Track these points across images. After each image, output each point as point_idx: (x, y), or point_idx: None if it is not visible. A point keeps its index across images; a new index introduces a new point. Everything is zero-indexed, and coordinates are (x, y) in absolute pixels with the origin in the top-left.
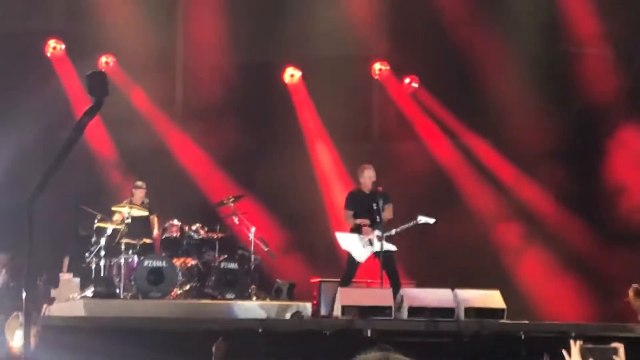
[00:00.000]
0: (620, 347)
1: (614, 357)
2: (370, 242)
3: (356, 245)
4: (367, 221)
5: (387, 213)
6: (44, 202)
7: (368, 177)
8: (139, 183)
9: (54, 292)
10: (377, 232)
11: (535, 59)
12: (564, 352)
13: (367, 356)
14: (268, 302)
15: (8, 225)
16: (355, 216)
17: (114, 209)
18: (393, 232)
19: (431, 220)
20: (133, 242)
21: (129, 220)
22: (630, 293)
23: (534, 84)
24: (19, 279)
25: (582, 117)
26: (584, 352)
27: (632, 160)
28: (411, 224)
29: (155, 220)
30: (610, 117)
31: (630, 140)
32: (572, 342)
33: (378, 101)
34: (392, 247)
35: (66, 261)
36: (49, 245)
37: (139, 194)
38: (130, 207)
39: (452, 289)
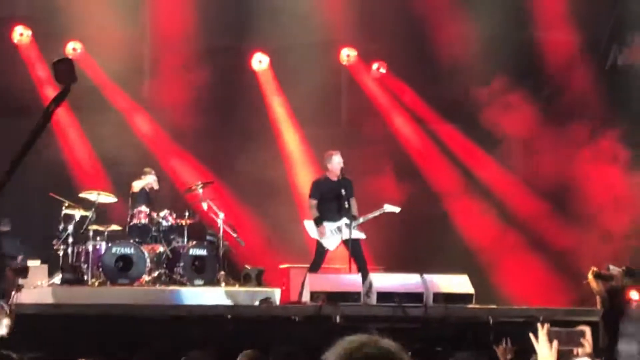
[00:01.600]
0: (587, 330)
1: (581, 339)
2: (339, 229)
3: (325, 234)
4: (324, 228)
5: (354, 206)
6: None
7: (336, 163)
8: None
9: (21, 280)
10: (344, 220)
11: (504, 44)
12: (531, 335)
13: (354, 338)
14: (237, 288)
15: None
16: (321, 204)
17: (81, 195)
18: (361, 220)
19: (397, 209)
20: (101, 228)
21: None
22: (590, 276)
23: (502, 70)
24: None
25: (551, 102)
26: (551, 335)
27: (599, 147)
28: (377, 212)
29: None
30: (579, 103)
31: (598, 127)
32: (539, 325)
33: (346, 87)
34: (360, 235)
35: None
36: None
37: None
38: (99, 193)
39: (421, 274)
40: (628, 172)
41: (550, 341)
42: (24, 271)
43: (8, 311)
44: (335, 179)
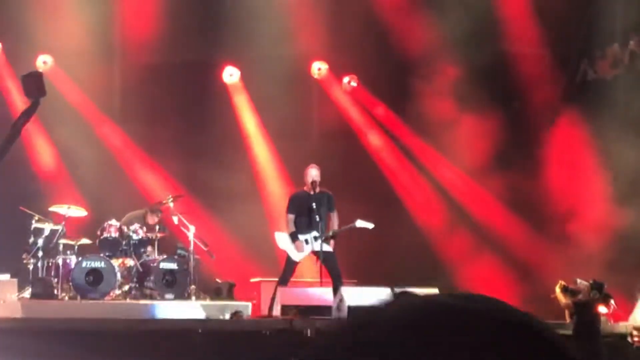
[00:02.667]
0: None
1: None
2: (307, 242)
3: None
4: (300, 243)
5: (333, 222)
6: None
7: (309, 176)
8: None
9: None
10: (313, 233)
11: (474, 58)
12: None
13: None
14: (208, 302)
15: None
16: (297, 217)
17: (51, 209)
18: (330, 233)
19: (370, 225)
20: (71, 242)
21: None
22: (557, 289)
23: (472, 84)
24: None
25: (521, 115)
26: None
27: (569, 159)
28: (349, 227)
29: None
30: (548, 116)
31: (567, 138)
32: None
33: (317, 100)
34: (328, 248)
35: None
36: None
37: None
38: (69, 207)
39: (392, 288)
40: (595, 181)
41: None
42: None
43: None
44: (311, 192)
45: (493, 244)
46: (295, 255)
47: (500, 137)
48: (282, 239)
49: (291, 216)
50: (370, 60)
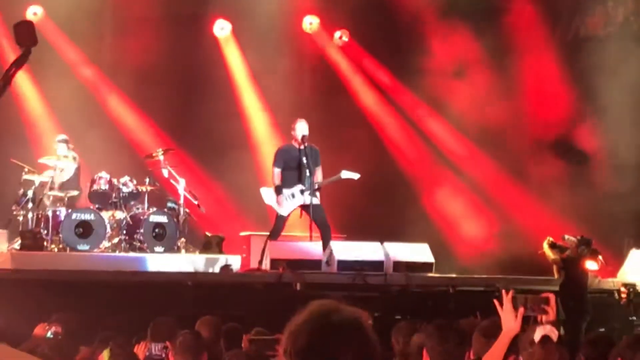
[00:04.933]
0: (552, 297)
1: (545, 306)
2: (293, 196)
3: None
4: (282, 197)
5: (317, 175)
6: None
7: (299, 130)
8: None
9: None
10: (299, 187)
11: (465, 12)
12: (496, 302)
13: (319, 305)
14: (197, 255)
15: None
16: (283, 171)
17: (41, 161)
18: (316, 185)
19: (355, 176)
20: (60, 194)
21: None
22: (545, 245)
23: (462, 38)
24: None
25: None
26: (515, 302)
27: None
28: (334, 178)
29: None
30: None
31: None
32: (503, 291)
33: (309, 54)
34: (316, 201)
35: None
36: None
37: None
38: (58, 158)
39: (381, 243)
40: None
41: (515, 308)
42: None
43: None
44: (298, 146)
45: (484, 200)
46: (282, 210)
47: (491, 96)
48: (268, 195)
49: (277, 170)
50: (361, 15)
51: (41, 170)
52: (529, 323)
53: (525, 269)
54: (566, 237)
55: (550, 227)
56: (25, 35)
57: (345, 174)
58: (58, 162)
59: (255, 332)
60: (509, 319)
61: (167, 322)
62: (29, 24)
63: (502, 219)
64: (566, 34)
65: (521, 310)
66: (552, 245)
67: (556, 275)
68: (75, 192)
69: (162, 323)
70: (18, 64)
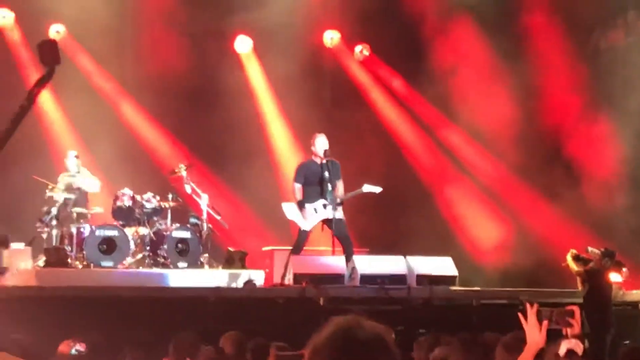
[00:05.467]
0: (576, 310)
1: (570, 319)
2: (315, 210)
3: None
4: (305, 212)
5: (338, 189)
6: None
7: (320, 145)
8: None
9: (5, 262)
10: (322, 201)
11: (489, 23)
12: (520, 315)
13: (341, 321)
14: (220, 271)
15: None
16: (305, 186)
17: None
18: (338, 200)
19: (377, 189)
20: (84, 210)
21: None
22: (569, 257)
23: (485, 52)
24: None
25: (532, 84)
26: (540, 315)
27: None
28: (356, 192)
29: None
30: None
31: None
32: (527, 305)
33: (330, 69)
34: (340, 216)
35: None
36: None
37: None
38: (82, 177)
39: (404, 256)
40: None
41: (540, 321)
42: (4, 241)
43: None
44: (319, 161)
45: (507, 212)
46: (305, 225)
47: (513, 107)
48: (290, 210)
49: (298, 185)
50: (382, 29)
51: (68, 188)
52: (553, 337)
53: (549, 281)
54: (590, 249)
55: (574, 239)
56: (49, 54)
57: (367, 188)
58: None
59: (275, 347)
60: (534, 333)
61: (189, 338)
62: (53, 43)
63: (525, 231)
64: (587, 44)
65: (545, 323)
66: (576, 258)
67: (580, 288)
68: (99, 209)
69: (184, 339)
70: (42, 83)
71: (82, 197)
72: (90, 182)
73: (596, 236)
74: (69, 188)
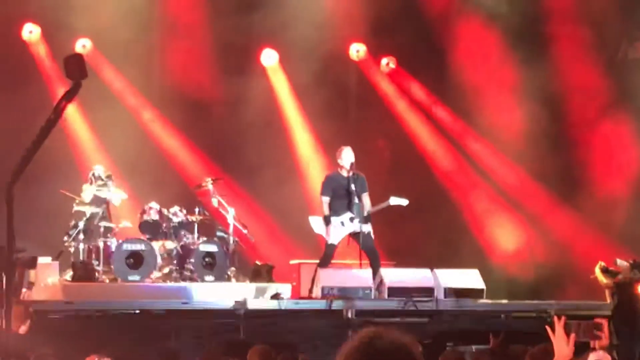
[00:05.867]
0: (604, 322)
1: (598, 332)
2: (343, 224)
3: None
4: (331, 225)
5: (364, 202)
6: (21, 186)
7: (346, 158)
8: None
9: (33, 276)
10: (349, 214)
11: (515, 33)
12: (548, 328)
13: (368, 332)
14: (247, 284)
15: None
16: (332, 200)
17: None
18: (365, 213)
19: (404, 202)
20: (111, 225)
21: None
22: (597, 270)
23: (511, 65)
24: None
25: (560, 96)
26: (568, 328)
27: (612, 145)
28: (383, 205)
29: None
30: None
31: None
32: (555, 318)
33: (355, 82)
34: (367, 229)
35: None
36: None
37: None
38: (109, 190)
39: (431, 269)
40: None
41: (567, 334)
42: (32, 262)
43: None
44: (345, 174)
45: (535, 225)
46: (332, 238)
47: (540, 118)
48: (317, 223)
49: (326, 198)
50: (408, 42)
51: (95, 202)
52: (581, 349)
53: (576, 293)
54: (618, 261)
55: (603, 251)
56: (75, 68)
57: (394, 200)
58: (109, 194)
59: None
60: (562, 345)
61: (216, 352)
62: (79, 57)
63: (554, 244)
64: (613, 55)
65: (573, 336)
66: (605, 270)
67: (608, 300)
68: (127, 223)
69: (211, 353)
70: (68, 97)
71: (106, 211)
72: (117, 195)
73: (624, 248)
74: (95, 201)
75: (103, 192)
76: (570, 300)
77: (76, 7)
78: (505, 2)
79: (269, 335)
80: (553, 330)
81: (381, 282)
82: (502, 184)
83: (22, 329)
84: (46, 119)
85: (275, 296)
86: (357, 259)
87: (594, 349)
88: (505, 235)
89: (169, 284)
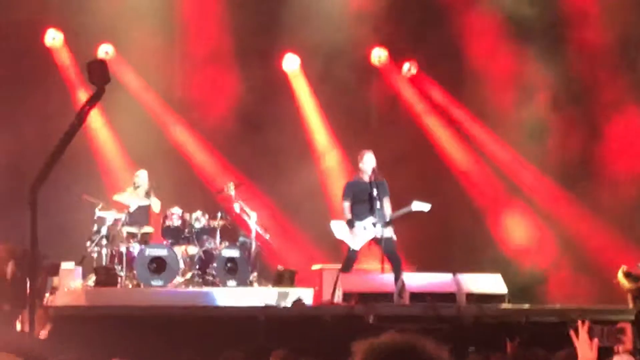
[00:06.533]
0: (628, 327)
1: (621, 336)
2: (365, 228)
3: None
4: (355, 230)
5: (385, 207)
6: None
7: (368, 163)
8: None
9: (56, 281)
10: (371, 219)
11: (538, 41)
12: (572, 333)
13: (385, 336)
14: (269, 289)
15: (10, 215)
16: (354, 205)
17: (115, 198)
18: (387, 218)
19: (426, 207)
20: (134, 230)
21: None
22: (620, 274)
23: (532, 70)
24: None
25: (584, 103)
26: (591, 333)
27: (633, 149)
28: (406, 210)
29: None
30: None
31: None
32: (579, 322)
33: (377, 87)
34: (390, 234)
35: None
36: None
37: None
38: (132, 196)
39: (453, 274)
40: None
41: (591, 338)
42: (54, 269)
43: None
44: (367, 179)
45: (555, 229)
46: (354, 244)
47: (560, 125)
48: (339, 228)
49: (347, 204)
50: (430, 47)
51: (118, 208)
52: (605, 354)
53: (599, 298)
54: None
55: (624, 255)
56: (98, 73)
57: (416, 206)
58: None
59: None
60: (586, 350)
61: (236, 357)
62: (102, 62)
63: (574, 248)
64: (629, 56)
65: (596, 340)
66: (627, 274)
67: (631, 305)
68: (149, 228)
69: (231, 358)
70: (91, 102)
71: (144, 215)
72: (156, 201)
73: None
74: (119, 206)
75: (142, 198)
76: (592, 305)
77: (98, 13)
78: (527, 5)
79: (290, 341)
80: (577, 335)
81: (403, 287)
82: (524, 188)
83: (43, 334)
84: (69, 124)
85: (297, 301)
86: (379, 264)
87: (617, 353)
88: (527, 240)
89: (192, 289)
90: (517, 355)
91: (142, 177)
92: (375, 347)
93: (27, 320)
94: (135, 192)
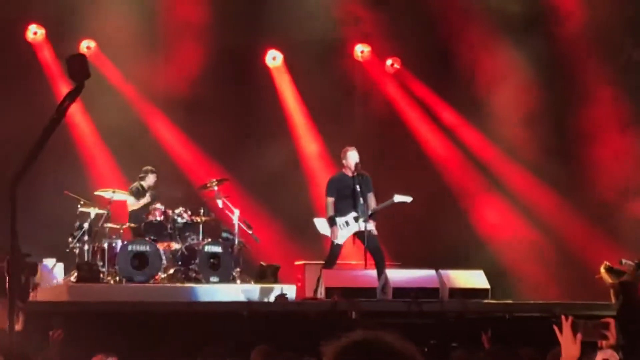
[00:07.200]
0: (612, 322)
1: (605, 331)
2: (347, 223)
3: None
4: (336, 227)
5: (370, 202)
6: (25, 188)
7: (351, 158)
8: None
9: (38, 277)
10: (353, 214)
11: (520, 35)
12: (555, 328)
13: (352, 335)
14: (252, 285)
15: None
16: (337, 200)
17: (97, 193)
18: (369, 212)
19: (408, 199)
20: (116, 226)
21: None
22: (602, 270)
23: (515, 65)
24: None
25: (565, 95)
26: (575, 327)
27: (618, 147)
28: (388, 203)
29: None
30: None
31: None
32: (563, 317)
33: (360, 83)
34: (371, 228)
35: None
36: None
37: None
38: (114, 191)
39: (436, 270)
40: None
41: (575, 333)
42: (33, 268)
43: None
44: (350, 174)
45: (538, 224)
46: (337, 239)
47: (544, 119)
48: (322, 225)
49: (331, 199)
50: (413, 43)
51: (100, 204)
52: (588, 349)
53: (582, 293)
54: (624, 261)
55: (606, 251)
56: (78, 68)
57: (398, 198)
58: (114, 195)
59: None
60: (569, 345)
61: (218, 352)
62: (82, 57)
63: (557, 243)
64: (619, 56)
65: (579, 335)
66: (610, 270)
67: (613, 300)
68: (131, 224)
69: (212, 353)
70: (71, 97)
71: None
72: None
73: (629, 248)
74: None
75: (107, 193)
76: (575, 300)
77: (80, 9)
78: (512, 2)
79: (273, 336)
80: (561, 330)
81: (386, 283)
82: (506, 184)
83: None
84: (49, 119)
85: (280, 297)
86: (362, 259)
87: (601, 348)
88: (510, 235)
89: (174, 284)
90: (498, 349)
91: (152, 179)
92: (343, 346)
93: (7, 318)
94: (145, 193)
